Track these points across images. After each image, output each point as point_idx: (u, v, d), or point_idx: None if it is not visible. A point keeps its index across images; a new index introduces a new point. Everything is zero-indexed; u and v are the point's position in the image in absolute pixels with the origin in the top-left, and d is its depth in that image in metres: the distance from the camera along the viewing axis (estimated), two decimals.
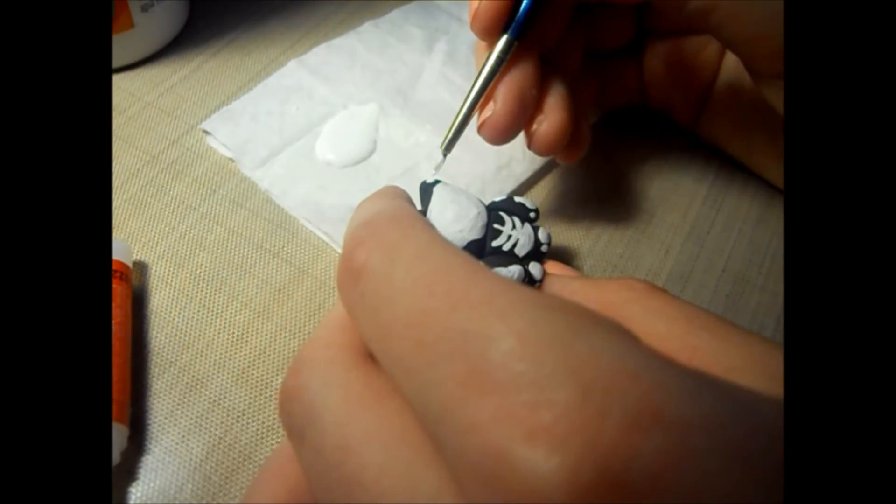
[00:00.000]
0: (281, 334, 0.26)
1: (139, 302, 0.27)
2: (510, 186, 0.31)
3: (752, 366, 0.16)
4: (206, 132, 0.33)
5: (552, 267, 0.25)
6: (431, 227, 0.17)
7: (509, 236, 0.24)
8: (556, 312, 0.13)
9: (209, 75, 0.35)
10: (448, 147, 0.25)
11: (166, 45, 0.36)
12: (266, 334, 0.26)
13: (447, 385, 0.13)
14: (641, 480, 0.11)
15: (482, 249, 0.24)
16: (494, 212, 0.25)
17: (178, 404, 0.25)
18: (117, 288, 0.25)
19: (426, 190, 0.24)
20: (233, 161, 0.32)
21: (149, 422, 0.24)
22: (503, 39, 0.25)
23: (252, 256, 0.29)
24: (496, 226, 0.24)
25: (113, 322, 0.24)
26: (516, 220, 0.25)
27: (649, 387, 0.12)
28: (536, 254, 0.25)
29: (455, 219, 0.23)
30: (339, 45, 0.37)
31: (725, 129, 0.31)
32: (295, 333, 0.26)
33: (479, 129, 0.26)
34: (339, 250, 0.29)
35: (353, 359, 0.17)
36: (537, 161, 0.32)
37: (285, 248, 0.29)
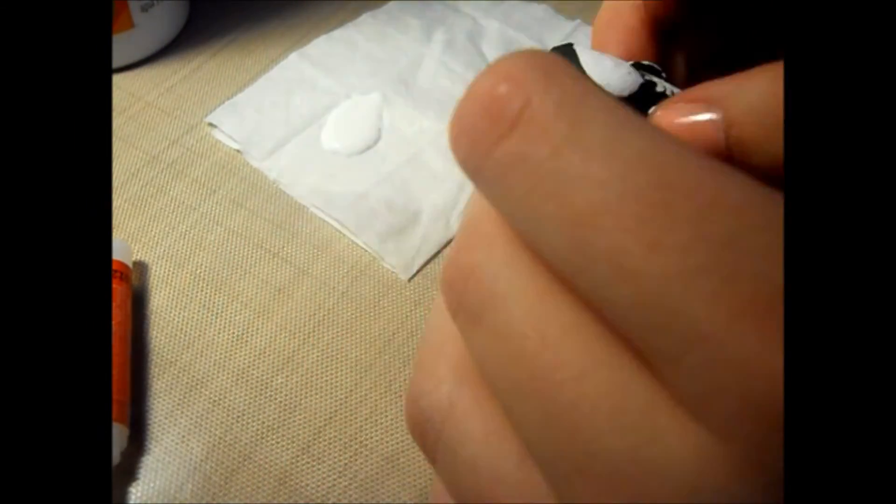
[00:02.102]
0: (281, 334, 0.26)
1: (139, 302, 0.27)
2: None
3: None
4: (211, 125, 0.33)
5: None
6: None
7: (664, 86, 0.22)
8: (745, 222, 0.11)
9: (209, 75, 0.35)
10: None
11: (166, 45, 0.36)
12: (266, 334, 0.26)
13: (703, 303, 0.11)
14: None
15: (649, 95, 0.21)
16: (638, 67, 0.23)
17: (178, 404, 0.25)
18: (117, 288, 0.25)
19: (566, 51, 0.22)
20: (233, 160, 0.32)
21: (149, 422, 0.24)
22: None
23: (252, 256, 0.29)
24: (649, 77, 0.22)
25: (113, 322, 0.24)
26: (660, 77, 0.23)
27: None
28: None
29: (615, 65, 0.21)
30: (338, 36, 0.37)
31: None
32: (295, 333, 0.26)
33: None
34: (351, 237, 0.29)
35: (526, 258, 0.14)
36: None
37: (285, 248, 0.29)
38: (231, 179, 0.31)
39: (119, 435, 0.22)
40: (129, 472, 0.23)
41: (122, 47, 0.35)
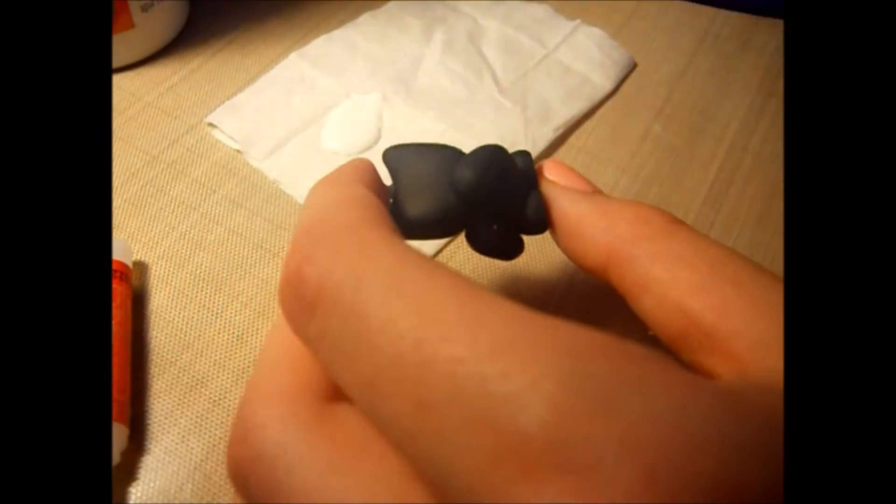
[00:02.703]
0: None
1: (139, 302, 0.27)
2: None
3: (779, 341, 0.14)
4: (211, 125, 0.33)
5: (551, 170, 0.21)
6: (393, 225, 0.14)
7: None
8: (589, 361, 0.11)
9: (209, 75, 0.35)
10: None
11: (166, 45, 0.36)
12: (266, 334, 0.26)
13: (469, 458, 0.11)
14: None
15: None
16: None
17: (178, 404, 0.25)
18: (117, 288, 0.25)
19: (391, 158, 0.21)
20: (233, 160, 0.32)
21: (149, 422, 0.24)
22: None
23: (252, 256, 0.29)
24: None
25: (113, 322, 0.24)
26: None
27: (720, 459, 0.10)
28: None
29: None
30: (338, 36, 0.37)
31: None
32: None
33: None
34: None
35: (311, 411, 0.14)
36: (540, 144, 0.33)
37: (285, 248, 0.29)
38: (231, 179, 0.31)
39: (119, 435, 0.22)
40: (129, 472, 0.23)
41: (122, 47, 0.35)
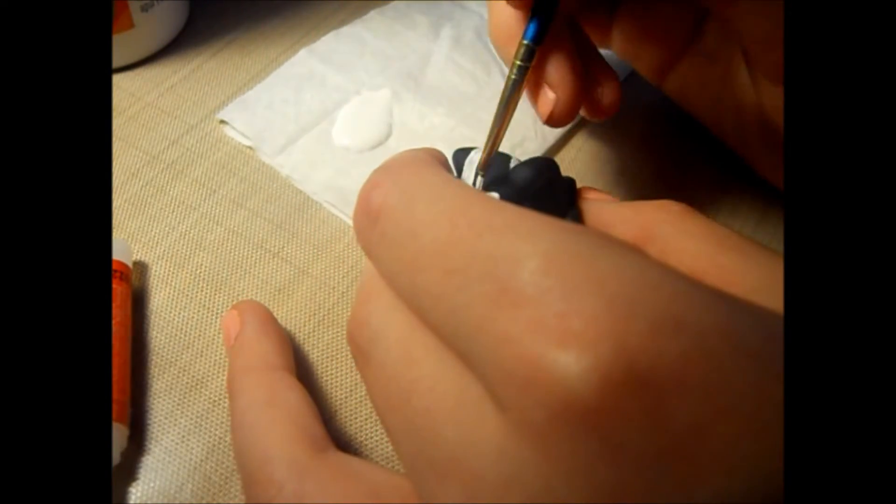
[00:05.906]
0: None
1: (139, 302, 0.27)
2: None
3: (775, 287, 0.17)
4: (223, 122, 0.33)
5: (589, 193, 0.25)
6: (446, 170, 0.18)
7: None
8: (576, 234, 0.14)
9: (209, 75, 0.35)
10: (485, 166, 0.24)
11: (166, 45, 0.36)
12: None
13: (478, 305, 0.14)
14: (666, 379, 0.12)
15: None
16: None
17: (178, 404, 0.25)
18: (117, 288, 0.25)
19: (459, 156, 0.25)
20: (234, 160, 0.32)
21: (149, 422, 0.24)
22: (524, 47, 0.24)
23: (252, 256, 0.29)
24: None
25: (113, 322, 0.24)
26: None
27: (670, 296, 0.13)
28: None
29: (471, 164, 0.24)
30: (347, 33, 0.37)
31: (694, 95, 0.30)
32: (294, 333, 0.26)
33: (549, 121, 0.26)
34: None
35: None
36: (549, 138, 0.33)
37: (285, 248, 0.29)
38: (231, 179, 0.31)
39: (119, 435, 0.22)
40: (129, 472, 0.23)
41: (122, 47, 0.35)
